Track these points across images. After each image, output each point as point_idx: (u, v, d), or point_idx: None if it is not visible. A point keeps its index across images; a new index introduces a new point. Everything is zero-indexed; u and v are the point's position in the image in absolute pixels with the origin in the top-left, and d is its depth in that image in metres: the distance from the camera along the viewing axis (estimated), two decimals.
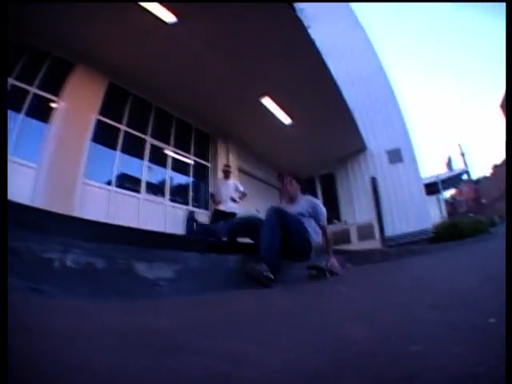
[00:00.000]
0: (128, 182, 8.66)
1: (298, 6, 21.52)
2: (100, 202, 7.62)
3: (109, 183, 7.98)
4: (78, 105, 7.46)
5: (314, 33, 19.53)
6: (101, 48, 7.62)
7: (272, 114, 10.75)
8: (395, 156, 15.21)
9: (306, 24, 18.88)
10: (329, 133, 13.02)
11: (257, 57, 8.56)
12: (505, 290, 1.64)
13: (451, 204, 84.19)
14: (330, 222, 15.10)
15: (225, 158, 11.57)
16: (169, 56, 8.02)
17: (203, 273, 3.70)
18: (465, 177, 54.77)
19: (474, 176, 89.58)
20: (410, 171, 14.87)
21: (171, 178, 9.92)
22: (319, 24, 20.89)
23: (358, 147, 15.37)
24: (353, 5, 21.44)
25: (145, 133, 9.25)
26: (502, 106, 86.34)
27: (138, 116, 9.20)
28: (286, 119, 11.22)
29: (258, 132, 12.02)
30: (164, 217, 9.13)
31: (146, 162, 9.07)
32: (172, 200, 9.59)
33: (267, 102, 10.21)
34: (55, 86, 7.37)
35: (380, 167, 15.39)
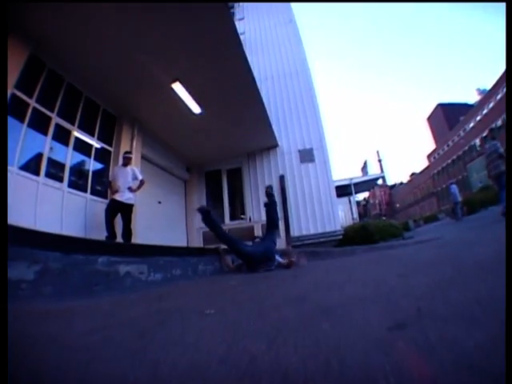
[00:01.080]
0: (30, 164, 8.55)
1: None
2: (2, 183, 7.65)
3: (10, 164, 7.80)
4: None
5: (244, 24, 20.74)
6: (29, 17, 7.76)
7: (182, 101, 11.16)
8: (307, 156, 16.41)
9: (237, 16, 19.92)
10: (240, 126, 13.85)
11: (172, 39, 8.84)
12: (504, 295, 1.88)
13: (364, 206, 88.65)
14: (236, 217, 16.16)
15: (129, 143, 11.81)
16: (87, 32, 8.27)
17: None
18: (380, 181, 57.99)
19: (390, 182, 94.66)
20: (321, 172, 15.99)
21: (72, 163, 9.84)
22: (253, 17, 22.23)
23: (269, 143, 16.34)
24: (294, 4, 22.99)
25: (52, 109, 9.20)
26: (428, 120, 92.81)
27: (49, 90, 9.19)
28: (196, 108, 11.69)
29: (167, 119, 12.49)
30: (61, 204, 9.10)
31: (48, 141, 9.02)
32: (71, 186, 9.53)
33: (178, 87, 10.55)
34: None
35: (290, 166, 16.49)
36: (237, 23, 14.68)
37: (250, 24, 22.40)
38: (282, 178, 16.34)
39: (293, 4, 23.25)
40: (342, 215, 32.21)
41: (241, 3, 24.33)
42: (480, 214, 26.16)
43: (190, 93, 10.93)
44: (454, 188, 25.68)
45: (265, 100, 13.16)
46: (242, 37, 10.97)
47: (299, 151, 16.69)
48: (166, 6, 7.76)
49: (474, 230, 11.98)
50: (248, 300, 3.45)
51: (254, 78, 11.13)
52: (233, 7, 23.22)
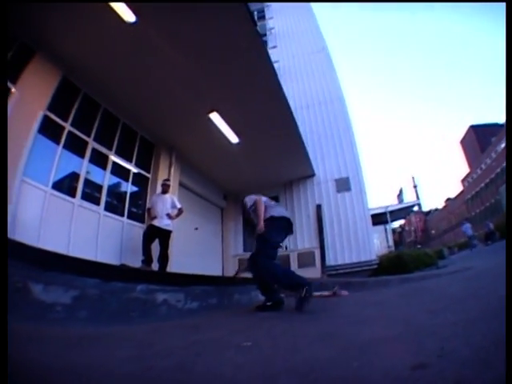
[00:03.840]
0: (65, 186, 8.84)
1: (268, 24, 22.75)
2: (36, 203, 7.73)
3: (46, 184, 8.07)
4: (29, 96, 7.68)
5: (277, 52, 20.93)
6: (60, 39, 8.04)
7: (219, 131, 11.33)
8: (343, 185, 16.46)
9: (270, 44, 20.06)
10: (276, 156, 14.02)
11: (209, 71, 9.17)
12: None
13: (399, 233, 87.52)
14: None
15: (166, 170, 11.98)
16: (123, 58, 8.57)
17: None
18: (416, 208, 57.38)
19: (425, 208, 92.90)
20: (357, 201, 15.99)
21: (109, 187, 10.14)
22: (285, 45, 22.46)
23: (305, 173, 16.47)
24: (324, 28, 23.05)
25: (89, 134, 9.56)
26: (461, 142, 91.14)
27: (85, 116, 9.53)
28: (233, 138, 11.86)
29: (204, 148, 12.70)
30: (97, 227, 9.34)
31: (85, 165, 9.32)
32: (107, 209, 9.82)
33: (215, 117, 10.74)
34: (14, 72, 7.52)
35: (326, 195, 16.54)
36: (270, 51, 14.90)
37: (282, 52, 22.63)
38: (318, 208, 16.45)
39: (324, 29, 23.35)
40: (378, 243, 32.36)
41: (273, 31, 24.51)
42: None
43: (227, 122, 11.10)
44: (467, 227, 26.11)
45: (300, 129, 13.28)
46: (276, 65, 11.15)
47: (335, 180, 16.79)
48: (198, 37, 8.08)
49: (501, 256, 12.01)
50: (280, 334, 3.54)
51: (289, 107, 11.26)
52: (265, 35, 23.42)
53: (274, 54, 19.98)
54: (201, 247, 14.35)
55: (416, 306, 4.65)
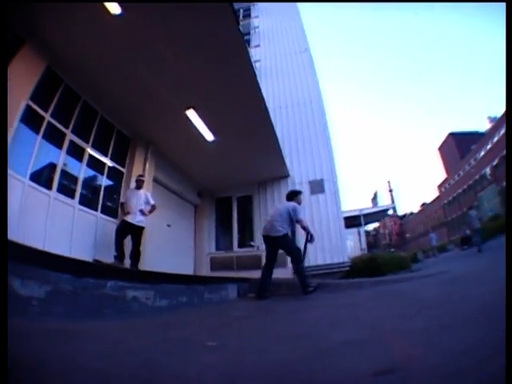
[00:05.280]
0: (43, 177, 8.59)
1: (253, 23, 22.72)
2: (15, 195, 7.47)
3: (25, 175, 7.87)
4: (15, 84, 7.17)
5: (260, 51, 20.84)
6: (47, 28, 7.88)
7: (195, 128, 11.29)
8: (317, 187, 16.47)
9: (253, 43, 19.93)
10: (252, 155, 14.08)
11: (187, 68, 9.07)
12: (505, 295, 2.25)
13: (374, 236, 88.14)
14: (245, 245, 16.35)
15: (141, 166, 11.93)
16: (106, 50, 8.44)
17: None
18: (391, 212, 58.02)
19: (401, 212, 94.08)
20: (331, 203, 15.99)
21: (84, 180, 9.91)
22: (269, 44, 22.42)
23: (280, 173, 16.50)
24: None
25: (67, 125, 9.29)
26: (439, 149, 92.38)
27: (65, 107, 9.27)
28: (209, 135, 11.85)
29: (180, 144, 12.67)
30: (72, 221, 9.09)
31: (63, 157, 9.09)
32: (82, 203, 9.56)
33: (192, 114, 10.68)
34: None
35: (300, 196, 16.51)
36: (252, 50, 14.81)
37: (265, 51, 22.38)
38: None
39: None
40: (351, 245, 32.68)
41: (257, 30, 24.54)
42: (489, 243, 26.02)
43: (203, 120, 11.08)
44: (432, 237, 26.50)
45: (277, 129, 13.40)
46: (257, 64, 11.12)
47: (310, 182, 16.75)
48: (181, 34, 8.03)
49: (481, 261, 12.11)
50: (249, 334, 3.69)
51: (266, 108, 11.29)
52: (249, 34, 23.44)
53: (256, 53, 20.01)
54: (173, 244, 14.33)
55: (386, 310, 4.81)
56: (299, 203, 9.23)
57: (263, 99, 10.84)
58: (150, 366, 2.31)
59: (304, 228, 8.69)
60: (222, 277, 9.24)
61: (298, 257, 8.41)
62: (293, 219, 8.68)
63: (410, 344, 2.54)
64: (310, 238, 8.84)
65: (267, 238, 8.66)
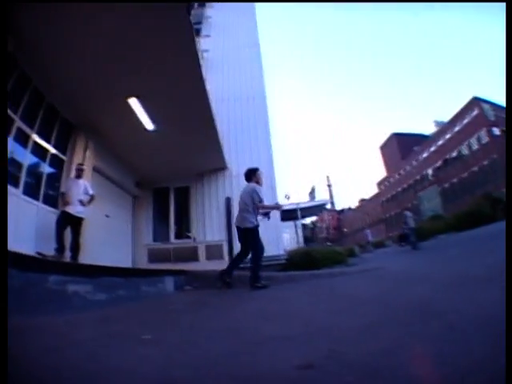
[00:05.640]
0: None
1: (206, 13, 22.54)
2: None
3: None
4: None
5: (210, 41, 20.74)
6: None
7: (137, 117, 11.22)
8: None
9: (204, 32, 19.83)
10: (190, 146, 14.12)
11: (133, 55, 8.90)
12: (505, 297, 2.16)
13: (312, 229, 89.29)
14: (182, 236, 16.45)
15: (82, 154, 11.59)
16: (56, 28, 7.99)
17: None
18: (329, 206, 58.91)
19: (339, 206, 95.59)
20: (268, 197, 15.88)
21: (28, 168, 9.47)
22: (219, 35, 22.36)
23: (218, 165, 16.68)
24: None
25: (16, 111, 8.88)
26: (381, 148, 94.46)
27: (16, 90, 8.90)
28: (149, 125, 11.81)
29: (121, 133, 12.49)
30: (15, 211, 8.37)
31: (10, 143, 8.60)
32: (24, 193, 9.16)
33: (134, 102, 10.59)
34: None
35: (237, 189, 15.76)
36: (202, 40, 14.77)
37: (215, 42, 22.24)
38: (228, 201, 16.62)
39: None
40: (288, 238, 33.20)
41: (210, 20, 24.42)
42: (429, 242, 26.63)
43: (145, 109, 11.02)
44: (367, 233, 27.16)
45: (219, 121, 13.50)
46: (205, 54, 11.04)
47: None
48: (129, 22, 7.91)
49: (417, 259, 12.44)
50: (183, 328, 3.77)
51: (209, 101, 11.37)
52: (200, 23, 23.30)
53: (206, 43, 19.90)
54: (112, 236, 14.17)
55: (318, 305, 4.92)
56: (258, 182, 9.54)
57: (207, 93, 10.92)
58: (92, 359, 2.42)
59: (263, 213, 9.28)
60: (159, 269, 9.24)
61: (259, 256, 8.51)
62: (255, 203, 8.87)
63: (334, 340, 2.62)
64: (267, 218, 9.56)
65: (237, 229, 8.86)
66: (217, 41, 22.48)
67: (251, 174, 9.58)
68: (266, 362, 2.20)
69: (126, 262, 14.41)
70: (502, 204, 29.49)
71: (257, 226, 8.72)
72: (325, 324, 3.40)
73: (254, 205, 8.83)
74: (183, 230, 17.21)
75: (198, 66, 9.69)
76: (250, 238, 8.57)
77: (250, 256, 8.65)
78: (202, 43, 18.07)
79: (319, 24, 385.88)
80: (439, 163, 65.31)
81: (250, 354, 2.46)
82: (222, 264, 12.14)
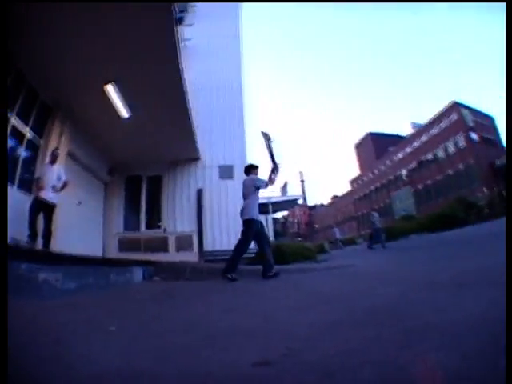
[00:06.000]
0: None
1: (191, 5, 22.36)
2: None
3: None
4: None
5: (192, 30, 20.64)
6: None
7: (112, 104, 11.31)
8: (227, 172, 17.05)
9: (187, 21, 19.82)
10: (164, 135, 14.27)
11: (111, 41, 9.00)
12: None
13: (283, 224, 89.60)
14: (153, 226, 16.56)
15: (57, 138, 11.55)
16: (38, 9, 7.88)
17: None
18: (301, 201, 59.16)
19: (311, 202, 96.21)
20: (239, 189, 16.21)
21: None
22: (203, 25, 22.27)
23: (191, 155, 16.79)
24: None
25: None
26: (356, 146, 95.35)
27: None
28: (124, 112, 11.89)
29: (96, 119, 12.53)
30: None
31: None
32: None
33: (110, 89, 10.68)
34: None
35: (209, 180, 17.00)
36: (185, 28, 14.79)
37: (198, 31, 22.25)
38: (200, 192, 16.84)
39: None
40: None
41: (195, 9, 24.31)
42: (399, 242, 27.34)
43: (120, 96, 11.10)
44: (335, 231, 27.49)
45: (194, 111, 13.62)
46: (187, 43, 11.02)
47: (219, 167, 17.33)
48: (106, 8, 7.89)
49: (384, 258, 12.62)
50: (147, 319, 3.82)
51: (184, 91, 11.52)
52: (185, 11, 23.17)
53: (188, 32, 19.92)
54: (83, 223, 14.11)
55: (282, 301, 4.97)
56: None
57: (183, 83, 11.06)
58: (59, 344, 2.54)
59: (271, 179, 9.06)
60: (129, 259, 9.21)
61: (243, 248, 8.81)
62: (261, 187, 9.09)
63: (292, 338, 2.64)
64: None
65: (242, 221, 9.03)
66: (200, 30, 22.41)
67: (251, 169, 9.63)
68: (223, 357, 2.23)
69: (96, 251, 14.41)
70: (476, 208, 30.13)
71: (253, 219, 8.81)
72: (285, 321, 3.44)
73: (260, 188, 9.09)
74: (154, 219, 17.22)
75: (176, 56, 9.78)
76: (245, 228, 8.85)
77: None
78: (185, 32, 18.09)
79: (301, 22, 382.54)
80: (414, 165, 65.98)
81: (208, 347, 2.52)
82: (192, 256, 12.17)
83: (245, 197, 9.07)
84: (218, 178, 17.24)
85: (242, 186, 9.16)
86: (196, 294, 6.18)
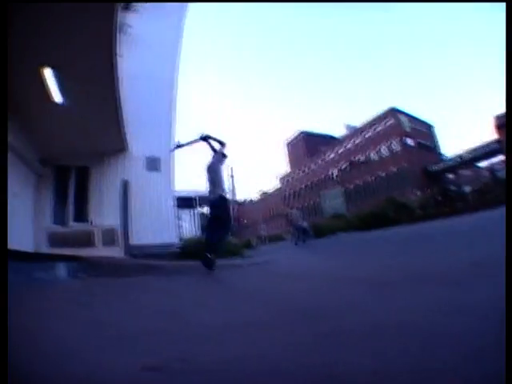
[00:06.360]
0: None
1: None
2: None
3: None
4: None
5: (137, 16, 20.39)
6: None
7: (46, 88, 11.06)
8: (154, 164, 17.10)
9: (133, 7, 19.62)
10: (94, 124, 14.01)
11: (46, 23, 8.84)
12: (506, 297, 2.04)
13: None
14: (82, 219, 16.26)
15: None
16: None
17: None
18: (230, 197, 59.74)
19: (240, 198, 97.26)
20: (165, 182, 16.74)
21: None
22: (148, 12, 21.90)
23: (119, 146, 16.48)
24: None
25: None
26: (288, 144, 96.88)
27: None
28: (58, 97, 11.63)
29: (29, 104, 12.06)
30: None
31: None
32: None
33: (46, 73, 10.47)
34: None
35: (136, 172, 16.86)
36: (130, 14, 14.64)
37: (142, 18, 21.91)
38: (125, 184, 16.45)
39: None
40: (186, 227, 34.33)
41: None
42: (326, 238, 28.22)
43: (55, 80, 10.87)
44: (263, 227, 28.07)
45: (124, 100, 13.56)
46: (128, 29, 10.87)
47: (147, 158, 17.30)
48: None
49: (310, 256, 12.83)
50: (61, 317, 3.69)
51: (115, 80, 11.46)
52: None
53: (132, 18, 19.71)
54: (12, 215, 13.37)
55: (195, 299, 5.04)
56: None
57: (116, 71, 11.03)
58: None
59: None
60: (53, 254, 9.05)
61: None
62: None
63: (192, 341, 2.63)
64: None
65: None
66: (144, 17, 22.09)
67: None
68: (116, 359, 2.20)
69: (27, 246, 13.86)
70: (408, 209, 31.01)
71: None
72: (191, 321, 3.43)
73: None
74: (82, 212, 16.79)
75: (111, 41, 9.79)
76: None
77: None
78: (130, 18, 17.90)
79: (246, 20, 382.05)
80: (345, 165, 67.43)
81: (106, 350, 2.45)
82: (118, 250, 12.03)
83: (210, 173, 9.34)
84: (145, 169, 17.12)
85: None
86: (114, 292, 6.07)
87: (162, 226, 15.87)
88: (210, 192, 9.24)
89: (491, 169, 49.77)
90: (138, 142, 17.30)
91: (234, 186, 64.77)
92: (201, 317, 3.61)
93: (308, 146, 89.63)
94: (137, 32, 20.22)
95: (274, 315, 3.38)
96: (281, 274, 7.97)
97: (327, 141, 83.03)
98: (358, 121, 71.30)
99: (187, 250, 14.89)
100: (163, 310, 4.17)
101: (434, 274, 4.44)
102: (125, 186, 16.29)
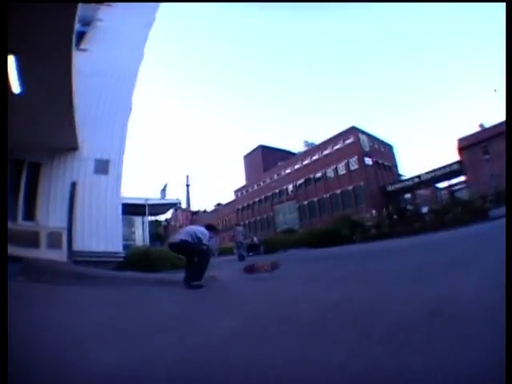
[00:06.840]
0: None
1: None
2: None
3: None
4: None
5: (108, 11, 19.90)
6: None
7: (5, 77, 10.28)
8: (102, 167, 16.34)
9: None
10: (47, 120, 13.42)
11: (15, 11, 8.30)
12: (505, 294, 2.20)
13: (165, 227, 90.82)
14: (31, 218, 15.39)
15: None
16: None
17: None
18: (184, 206, 59.74)
19: (194, 207, 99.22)
20: (112, 186, 16.09)
21: None
22: (119, 7, 21.53)
23: (70, 145, 15.87)
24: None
25: None
26: (245, 157, 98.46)
27: None
28: (16, 88, 11.04)
29: None
30: None
31: None
32: None
33: (10, 61, 9.93)
34: None
35: (84, 173, 16.19)
36: (102, 8, 14.15)
37: (112, 13, 21.44)
38: (73, 185, 15.88)
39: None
40: (137, 234, 33.40)
41: None
42: (277, 254, 28.03)
43: (17, 69, 10.31)
44: (239, 230, 28.52)
45: (83, 96, 13.46)
46: (98, 23, 10.45)
47: (95, 160, 16.57)
48: None
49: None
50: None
51: (71, 74, 11.21)
52: None
53: (103, 12, 19.19)
54: None
55: (111, 320, 4.82)
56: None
57: (72, 64, 10.82)
58: None
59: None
60: None
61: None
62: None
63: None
64: None
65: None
66: (115, 12, 21.68)
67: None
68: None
69: None
70: (361, 228, 31.31)
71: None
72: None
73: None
74: (31, 211, 15.93)
75: (70, 38, 9.70)
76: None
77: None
78: (100, 11, 17.35)
79: (216, 25, 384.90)
80: (301, 181, 68.18)
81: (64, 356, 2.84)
82: (61, 254, 11.56)
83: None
84: (92, 172, 16.32)
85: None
86: (51, 303, 6.01)
87: (107, 232, 15.32)
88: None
89: (450, 189, 51.74)
90: (90, 142, 16.61)
91: (189, 195, 65.25)
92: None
93: (265, 160, 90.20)
94: (106, 26, 19.80)
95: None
96: (213, 293, 7.99)
97: (285, 156, 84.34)
98: (319, 138, 72.85)
99: (131, 260, 14.62)
100: (94, 320, 4.29)
101: None
102: (73, 188, 15.73)
